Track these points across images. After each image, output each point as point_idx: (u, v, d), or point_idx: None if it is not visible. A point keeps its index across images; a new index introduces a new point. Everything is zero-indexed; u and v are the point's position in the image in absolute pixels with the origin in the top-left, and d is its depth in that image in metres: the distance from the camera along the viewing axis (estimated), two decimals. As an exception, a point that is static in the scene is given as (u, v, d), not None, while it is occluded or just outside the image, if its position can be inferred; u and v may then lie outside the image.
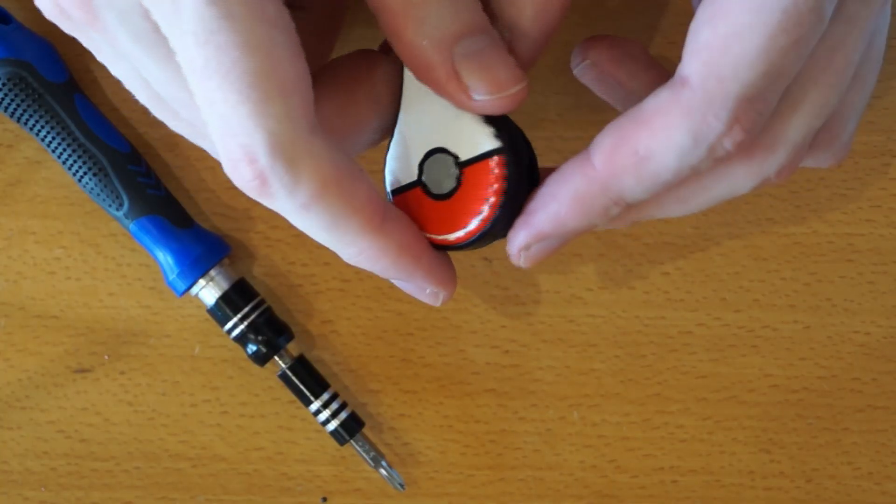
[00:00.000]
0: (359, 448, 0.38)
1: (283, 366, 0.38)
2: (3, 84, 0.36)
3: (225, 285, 0.38)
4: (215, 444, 0.40)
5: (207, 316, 0.39)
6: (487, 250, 0.39)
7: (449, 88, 0.26)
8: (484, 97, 0.26)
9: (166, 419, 0.39)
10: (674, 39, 0.38)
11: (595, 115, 0.38)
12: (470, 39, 0.26)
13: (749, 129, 0.25)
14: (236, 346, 0.39)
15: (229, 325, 0.38)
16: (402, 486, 0.39)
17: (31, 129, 0.37)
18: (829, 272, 0.39)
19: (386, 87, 0.29)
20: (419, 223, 0.29)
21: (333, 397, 0.38)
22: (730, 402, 0.40)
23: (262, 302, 0.38)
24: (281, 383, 0.39)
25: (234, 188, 0.39)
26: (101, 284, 0.39)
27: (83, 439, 0.40)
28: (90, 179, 0.37)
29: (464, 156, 0.28)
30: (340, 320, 0.39)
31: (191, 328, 0.39)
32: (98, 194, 0.37)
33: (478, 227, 0.28)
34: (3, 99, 0.36)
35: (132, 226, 0.37)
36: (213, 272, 0.37)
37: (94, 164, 0.37)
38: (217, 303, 0.38)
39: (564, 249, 0.39)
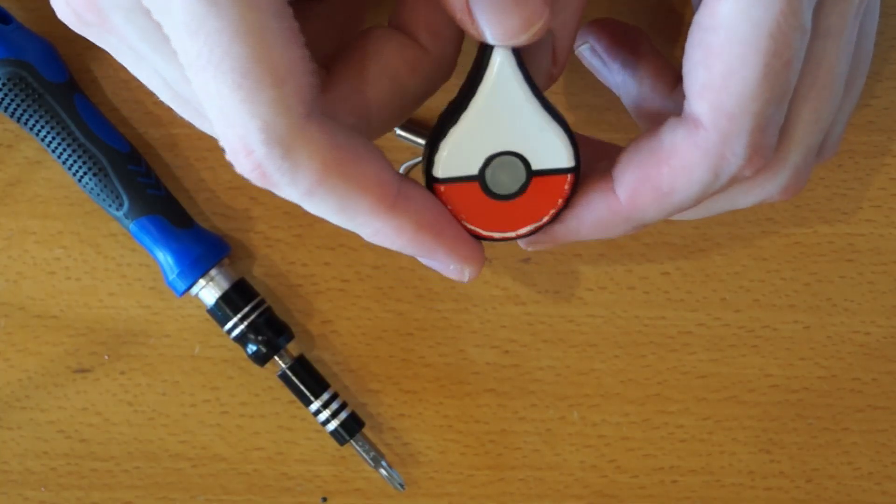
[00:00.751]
0: (359, 448, 0.38)
1: (283, 366, 0.38)
2: (3, 84, 0.36)
3: (225, 285, 0.38)
4: (215, 444, 0.40)
5: (207, 316, 0.39)
6: (487, 250, 0.39)
7: (463, 22, 0.26)
8: (496, 36, 0.26)
9: (166, 419, 0.39)
10: (674, 39, 0.38)
11: (595, 115, 0.38)
12: None
13: (766, 155, 0.27)
14: (236, 346, 0.39)
15: (229, 325, 0.38)
16: (402, 486, 0.39)
17: (31, 129, 0.37)
18: (829, 272, 0.39)
19: (403, 63, 0.28)
20: (465, 215, 0.29)
21: (333, 397, 0.38)
22: (730, 402, 0.40)
23: (262, 302, 0.38)
24: (281, 383, 0.39)
25: (235, 188, 0.39)
26: (101, 284, 0.39)
27: (83, 439, 0.40)
28: (90, 179, 0.37)
29: (537, 165, 0.28)
30: (340, 320, 0.39)
31: (191, 328, 0.39)
32: (98, 194, 0.37)
33: (530, 232, 0.29)
34: (3, 99, 0.36)
35: (132, 226, 0.37)
36: (213, 272, 0.37)
37: (94, 164, 0.37)
38: (217, 303, 0.38)
39: (565, 250, 0.39)
